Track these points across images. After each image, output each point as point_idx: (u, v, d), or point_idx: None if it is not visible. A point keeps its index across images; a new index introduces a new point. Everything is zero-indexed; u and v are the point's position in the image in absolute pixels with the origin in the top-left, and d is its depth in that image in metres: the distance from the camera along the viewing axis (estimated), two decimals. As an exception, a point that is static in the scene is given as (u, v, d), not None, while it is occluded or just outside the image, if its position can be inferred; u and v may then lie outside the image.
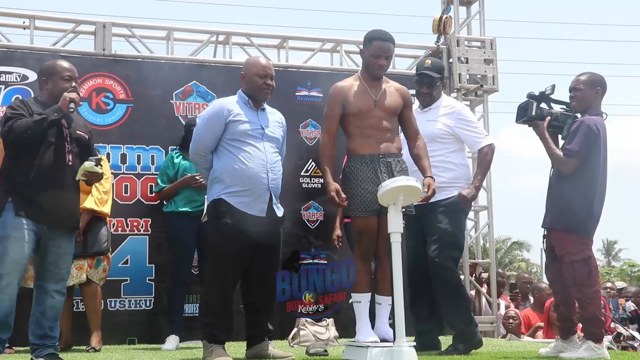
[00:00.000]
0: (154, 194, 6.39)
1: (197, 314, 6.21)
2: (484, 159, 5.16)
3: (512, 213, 58.39)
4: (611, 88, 4.88)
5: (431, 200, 4.65)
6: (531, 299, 8.40)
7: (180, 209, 5.97)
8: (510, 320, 7.65)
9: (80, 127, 4.55)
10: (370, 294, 4.50)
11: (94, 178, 4.55)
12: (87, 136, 4.56)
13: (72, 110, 4.35)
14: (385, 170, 4.40)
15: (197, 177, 5.84)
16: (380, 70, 4.56)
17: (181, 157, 6.11)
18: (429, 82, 5.16)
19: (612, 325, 6.95)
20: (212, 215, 4.55)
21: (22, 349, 5.50)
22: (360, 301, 4.45)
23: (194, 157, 4.69)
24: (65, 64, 4.53)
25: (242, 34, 7.41)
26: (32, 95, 4.58)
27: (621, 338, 6.57)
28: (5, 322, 4.22)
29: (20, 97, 4.49)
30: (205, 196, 4.96)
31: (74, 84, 4.43)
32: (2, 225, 4.24)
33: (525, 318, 7.82)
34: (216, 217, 4.49)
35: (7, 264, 4.19)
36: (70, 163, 4.40)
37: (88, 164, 4.44)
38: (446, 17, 7.84)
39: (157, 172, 6.33)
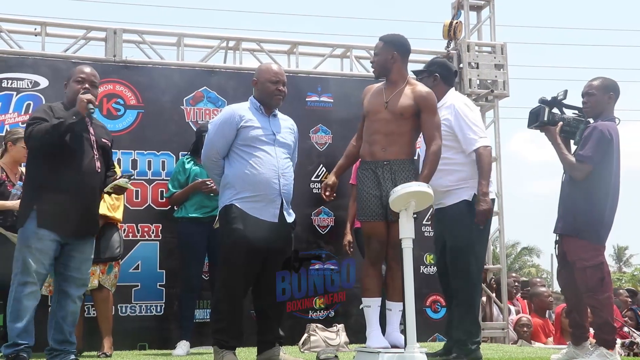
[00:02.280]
0: (164, 200, 6.40)
1: (208, 320, 6.21)
2: (481, 162, 4.75)
3: (522, 218, 58.20)
4: (624, 93, 4.86)
5: (441, 206, 4.78)
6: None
7: (190, 215, 5.98)
8: (525, 329, 7.63)
9: (104, 134, 4.60)
10: (380, 298, 4.50)
11: (119, 192, 4.65)
12: (109, 143, 4.62)
13: (92, 111, 4.34)
14: (390, 177, 4.41)
15: (207, 182, 5.85)
16: (372, 66, 4.68)
17: (192, 162, 6.12)
18: (418, 73, 5.08)
19: (626, 329, 6.92)
20: (223, 220, 4.55)
21: (38, 353, 5.51)
22: (370, 305, 4.45)
23: (206, 162, 4.70)
24: (86, 68, 4.53)
25: (253, 39, 7.43)
26: (44, 102, 4.59)
27: (634, 347, 6.53)
28: (29, 329, 4.24)
29: (46, 103, 4.52)
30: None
31: (86, 85, 4.39)
32: (24, 236, 4.25)
33: (534, 325, 7.81)
34: (227, 222, 4.49)
35: (30, 274, 4.22)
36: (99, 171, 4.43)
37: (124, 181, 4.52)
38: (456, 23, 7.84)
39: (168, 178, 6.34)
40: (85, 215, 4.37)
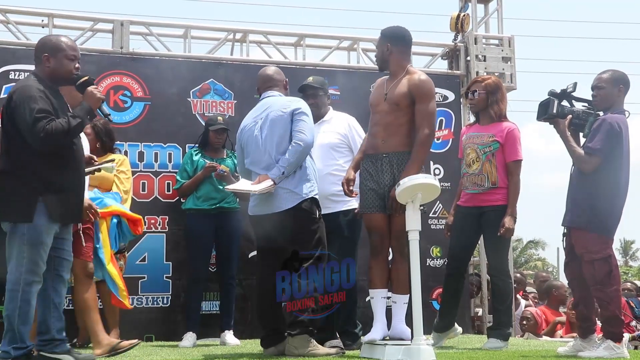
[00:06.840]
0: (172, 192, 6.39)
1: (214, 311, 6.25)
2: None
3: (528, 212, 58.03)
4: (634, 86, 4.83)
5: (329, 211, 4.91)
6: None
7: (198, 207, 5.98)
8: (524, 322, 7.63)
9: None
10: (384, 290, 4.52)
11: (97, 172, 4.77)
12: None
13: (108, 115, 4.32)
14: (389, 170, 4.42)
15: (214, 165, 5.86)
16: (375, 60, 4.80)
17: (200, 154, 6.11)
18: (312, 93, 5.15)
19: (633, 323, 6.89)
20: (310, 210, 4.53)
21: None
22: (373, 297, 4.49)
23: (309, 149, 4.58)
24: (69, 41, 4.26)
25: (260, 32, 7.42)
26: (31, 72, 4.24)
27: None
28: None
29: (34, 80, 4.12)
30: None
31: (78, 64, 4.20)
32: (36, 231, 4.00)
33: (541, 316, 7.79)
34: (313, 213, 4.53)
35: (38, 273, 4.02)
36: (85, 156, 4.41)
37: (110, 166, 4.79)
38: (464, 15, 7.81)
39: (175, 170, 6.35)
40: (81, 204, 4.31)
